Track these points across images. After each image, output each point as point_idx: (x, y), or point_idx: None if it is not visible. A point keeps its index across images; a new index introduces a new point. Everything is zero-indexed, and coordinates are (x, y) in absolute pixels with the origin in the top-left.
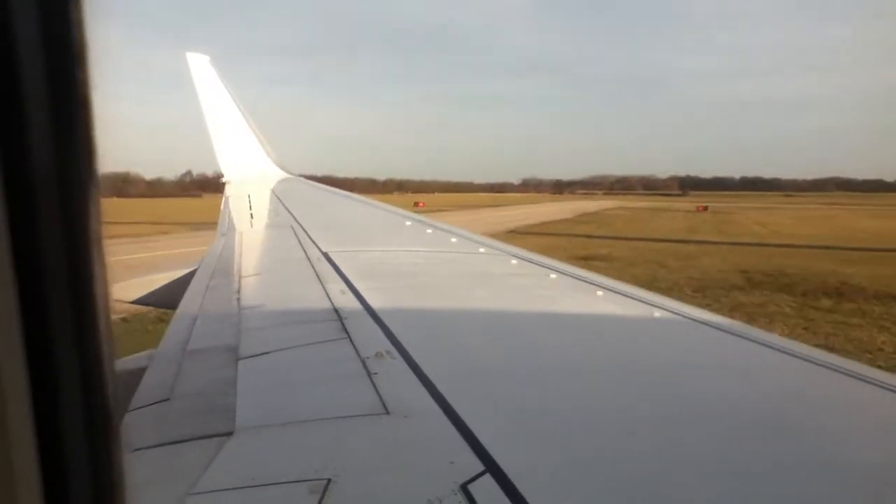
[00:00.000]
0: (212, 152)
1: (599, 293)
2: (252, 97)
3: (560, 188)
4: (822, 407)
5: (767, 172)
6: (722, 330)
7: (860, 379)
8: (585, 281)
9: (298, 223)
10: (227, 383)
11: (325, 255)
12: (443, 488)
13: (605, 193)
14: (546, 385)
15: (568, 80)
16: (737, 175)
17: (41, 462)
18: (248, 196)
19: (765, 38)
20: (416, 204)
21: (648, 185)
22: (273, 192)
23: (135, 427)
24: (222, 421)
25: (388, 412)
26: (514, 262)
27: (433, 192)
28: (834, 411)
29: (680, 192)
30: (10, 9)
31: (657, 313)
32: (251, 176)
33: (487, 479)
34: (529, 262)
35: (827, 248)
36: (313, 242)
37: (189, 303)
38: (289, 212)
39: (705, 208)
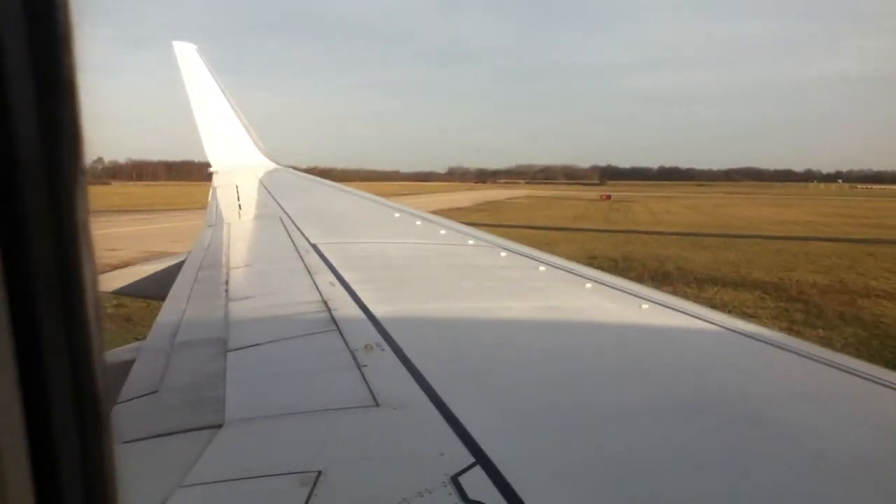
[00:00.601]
0: (198, 141)
1: (588, 286)
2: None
3: (483, 178)
4: (815, 401)
5: (684, 163)
6: (710, 322)
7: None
8: (576, 274)
9: (287, 214)
10: (217, 375)
11: (314, 246)
12: (433, 480)
13: (528, 183)
14: (536, 377)
15: (493, 70)
16: (655, 165)
17: (32, 453)
18: (236, 186)
19: (686, 30)
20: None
21: (570, 175)
22: (261, 182)
23: (124, 419)
24: (212, 413)
25: (377, 404)
26: (503, 254)
27: (356, 181)
28: (828, 407)
29: (598, 182)
30: None
31: (645, 305)
32: (239, 166)
33: (477, 471)
34: (519, 254)
35: (693, 234)
36: (302, 233)
37: (177, 294)
38: (277, 202)
39: (608, 197)
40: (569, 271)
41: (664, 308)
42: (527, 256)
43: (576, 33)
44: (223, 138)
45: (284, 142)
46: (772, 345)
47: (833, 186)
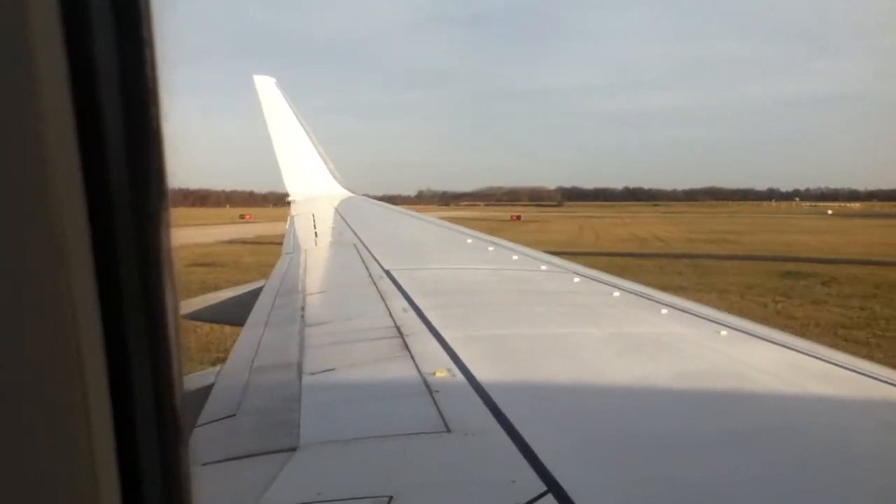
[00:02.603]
0: (277, 171)
1: (665, 311)
2: None
3: (446, 200)
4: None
5: (650, 183)
6: (790, 348)
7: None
8: (652, 299)
9: (361, 241)
10: (292, 399)
11: (388, 272)
12: None
13: (487, 205)
14: (610, 404)
15: (463, 94)
16: (619, 186)
17: (119, 468)
18: (313, 215)
19: (648, 53)
20: (241, 216)
21: (534, 197)
22: (336, 210)
23: (203, 442)
24: (287, 437)
25: (449, 430)
26: (576, 280)
27: None
28: None
29: (557, 203)
30: (92, 51)
31: (724, 332)
32: (316, 194)
33: (549, 500)
34: (593, 279)
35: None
36: (376, 260)
37: (255, 319)
38: (352, 230)
39: (518, 217)
40: (644, 296)
41: (743, 334)
42: (600, 282)
43: (547, 57)
44: (301, 168)
45: (249, 165)
46: (853, 370)
47: (783, 205)
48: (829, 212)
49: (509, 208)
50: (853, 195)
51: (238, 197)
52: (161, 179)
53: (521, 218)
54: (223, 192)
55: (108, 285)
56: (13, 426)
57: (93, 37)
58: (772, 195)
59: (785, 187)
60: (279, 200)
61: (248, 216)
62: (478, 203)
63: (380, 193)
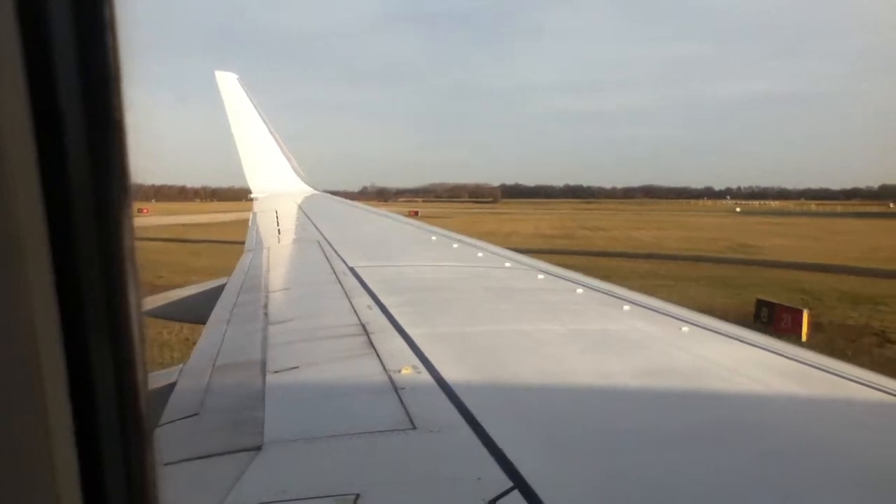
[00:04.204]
0: (239, 167)
1: (626, 308)
2: None
3: (385, 196)
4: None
5: (591, 181)
6: (751, 345)
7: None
8: (615, 296)
9: (325, 238)
10: (256, 398)
11: (352, 269)
12: None
13: (425, 201)
14: (574, 400)
15: (414, 91)
16: (560, 183)
17: (81, 471)
18: (276, 212)
19: (602, 53)
20: (139, 210)
21: (475, 194)
22: (300, 207)
23: (165, 441)
24: (251, 436)
25: (414, 427)
26: (540, 277)
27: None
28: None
29: (492, 200)
30: (49, 37)
31: (685, 328)
32: (278, 191)
33: (515, 496)
34: (557, 277)
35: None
36: (340, 257)
37: (217, 317)
38: (315, 227)
39: (416, 213)
40: (608, 293)
41: (704, 330)
42: (564, 279)
43: (502, 55)
44: (263, 165)
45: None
46: (809, 365)
47: (709, 203)
48: (738, 209)
49: (441, 205)
50: (783, 194)
51: (168, 192)
52: (123, 173)
53: (419, 214)
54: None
55: (68, 283)
56: None
57: (49, 19)
58: (704, 194)
59: (720, 186)
60: (211, 196)
61: (144, 210)
62: (416, 199)
63: (323, 189)
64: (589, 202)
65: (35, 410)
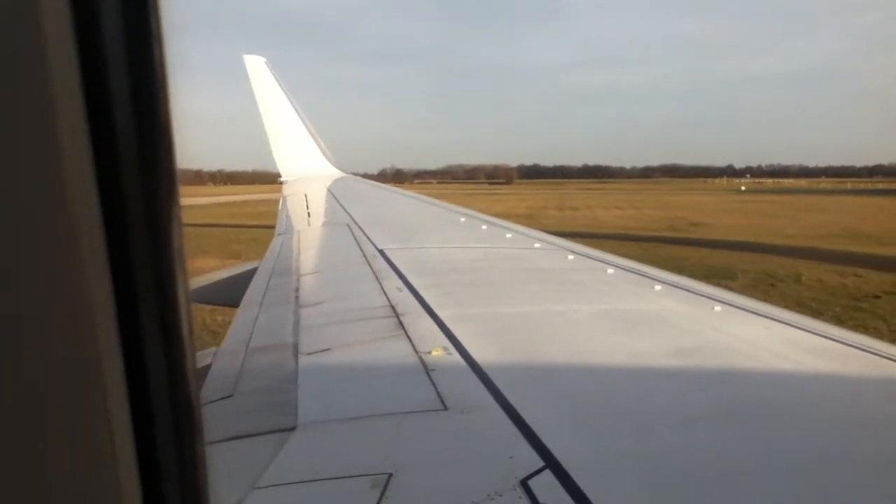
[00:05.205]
0: (269, 150)
1: (658, 287)
2: None
3: (401, 178)
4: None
5: (612, 161)
6: (785, 323)
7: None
8: (646, 276)
9: (354, 221)
10: (289, 380)
11: (381, 252)
12: (502, 484)
13: (440, 182)
14: (606, 380)
15: (430, 70)
16: (579, 164)
17: (137, 449)
18: (305, 195)
19: (618, 30)
20: None
21: (493, 175)
22: (329, 190)
23: None
24: (285, 417)
25: (446, 408)
26: (570, 257)
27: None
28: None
29: (505, 182)
30: (102, 41)
31: (717, 307)
32: (307, 174)
33: (547, 475)
34: (587, 257)
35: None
36: (369, 240)
37: (250, 300)
38: (345, 210)
39: None
40: (639, 273)
41: (737, 309)
42: (594, 259)
43: (520, 33)
44: (292, 148)
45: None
46: (844, 343)
47: (724, 181)
48: (742, 188)
49: (452, 186)
50: (804, 171)
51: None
52: (171, 170)
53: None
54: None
55: (123, 278)
56: (34, 421)
57: (101, 26)
58: (725, 172)
59: (741, 164)
60: (227, 179)
61: None
62: (432, 181)
63: (347, 171)
64: (603, 182)
65: (97, 400)
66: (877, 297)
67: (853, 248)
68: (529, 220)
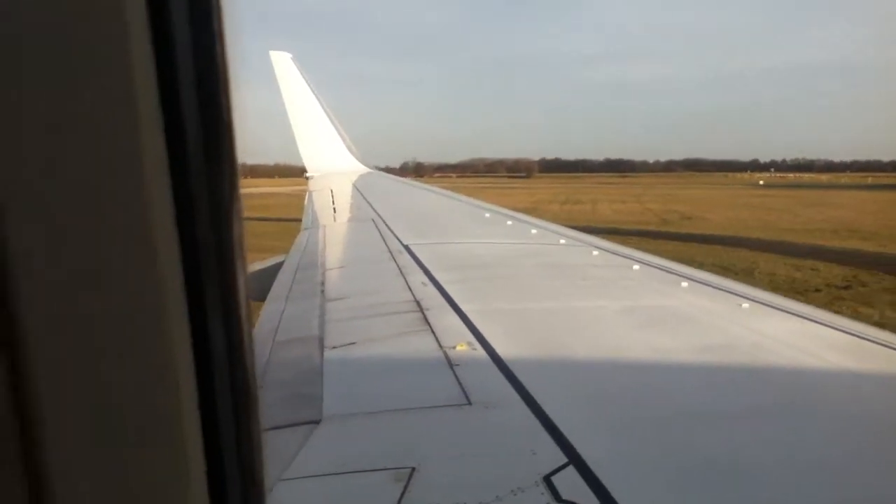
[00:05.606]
0: (294, 146)
1: (685, 284)
2: None
3: (421, 172)
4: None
5: (634, 154)
6: (812, 320)
7: None
8: (671, 272)
9: (380, 216)
10: (315, 373)
11: (406, 247)
12: (525, 479)
13: (458, 176)
14: (630, 377)
15: (454, 65)
16: (601, 157)
17: (203, 436)
18: (331, 191)
19: (642, 22)
20: None
21: (514, 168)
22: (354, 185)
23: None
24: (310, 409)
25: (469, 403)
26: (595, 253)
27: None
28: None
29: (525, 175)
30: (174, 48)
31: (745, 304)
32: (333, 170)
33: (570, 472)
34: (612, 253)
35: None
36: (395, 235)
37: (277, 294)
38: (370, 205)
39: None
40: (665, 270)
41: (764, 307)
42: (620, 255)
43: (538, 25)
44: (318, 144)
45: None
46: (871, 341)
47: (746, 175)
48: (761, 182)
49: (471, 180)
50: (829, 166)
51: None
52: (233, 163)
53: None
54: None
55: (191, 266)
56: (110, 402)
57: (174, 33)
58: (749, 167)
59: (765, 158)
60: (249, 172)
61: None
62: (450, 175)
63: (370, 165)
64: (624, 176)
65: (169, 387)
66: (818, 290)
67: (835, 243)
68: (529, 213)
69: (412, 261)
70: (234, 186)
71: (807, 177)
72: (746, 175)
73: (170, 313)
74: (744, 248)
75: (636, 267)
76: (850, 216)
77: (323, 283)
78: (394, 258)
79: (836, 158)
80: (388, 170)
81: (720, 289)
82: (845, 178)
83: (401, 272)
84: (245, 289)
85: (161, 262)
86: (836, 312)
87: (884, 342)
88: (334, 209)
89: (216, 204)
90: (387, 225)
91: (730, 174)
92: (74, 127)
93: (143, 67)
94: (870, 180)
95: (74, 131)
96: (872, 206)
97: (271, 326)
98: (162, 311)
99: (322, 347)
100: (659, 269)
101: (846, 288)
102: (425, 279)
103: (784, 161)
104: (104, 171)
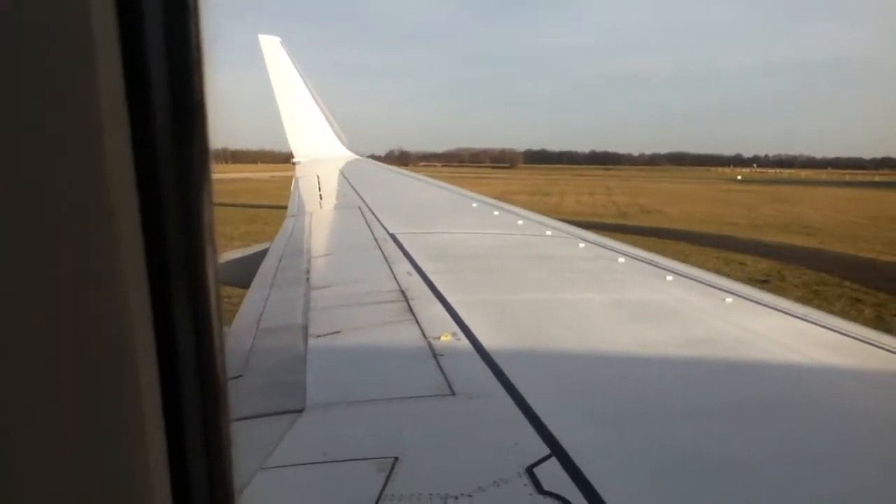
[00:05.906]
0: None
1: (669, 278)
2: None
3: (405, 160)
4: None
5: (620, 148)
6: (794, 316)
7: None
8: (657, 266)
9: (366, 204)
10: (298, 361)
11: (392, 236)
12: (508, 470)
13: (443, 165)
14: (614, 369)
15: (442, 55)
16: (587, 149)
17: (166, 424)
18: (318, 177)
19: (632, 16)
20: None
21: (499, 159)
22: (341, 172)
23: None
24: (293, 398)
25: (453, 393)
26: (581, 245)
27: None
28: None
29: (508, 166)
30: (142, 28)
31: (729, 299)
32: (320, 156)
33: (553, 463)
34: (598, 245)
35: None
36: (381, 223)
37: (261, 281)
38: (357, 193)
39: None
40: (650, 263)
41: (748, 301)
42: (605, 247)
43: (524, 17)
44: (306, 129)
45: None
46: (854, 338)
47: (728, 170)
48: (738, 177)
49: (453, 170)
50: (810, 162)
51: None
52: (204, 149)
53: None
54: None
55: (156, 253)
56: (67, 398)
57: (143, 13)
58: (732, 161)
59: (749, 154)
60: (232, 157)
61: None
62: (435, 164)
63: (357, 153)
64: (606, 169)
65: (129, 376)
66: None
67: (778, 238)
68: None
69: (398, 250)
70: (205, 172)
71: (787, 173)
72: (728, 170)
73: (131, 306)
74: (684, 242)
75: (622, 260)
76: (807, 212)
77: (308, 271)
78: (379, 247)
79: (819, 155)
80: (374, 157)
81: (705, 283)
82: (825, 174)
83: (386, 261)
84: (216, 280)
85: (123, 251)
86: None
87: (865, 338)
88: (321, 196)
89: (185, 190)
90: (373, 213)
91: (712, 168)
92: (24, 100)
93: (105, 41)
94: (846, 177)
95: (24, 104)
96: (833, 203)
97: (255, 314)
98: (123, 305)
99: (306, 336)
100: (644, 262)
101: (764, 282)
102: (410, 268)
103: (767, 157)
104: (58, 149)
